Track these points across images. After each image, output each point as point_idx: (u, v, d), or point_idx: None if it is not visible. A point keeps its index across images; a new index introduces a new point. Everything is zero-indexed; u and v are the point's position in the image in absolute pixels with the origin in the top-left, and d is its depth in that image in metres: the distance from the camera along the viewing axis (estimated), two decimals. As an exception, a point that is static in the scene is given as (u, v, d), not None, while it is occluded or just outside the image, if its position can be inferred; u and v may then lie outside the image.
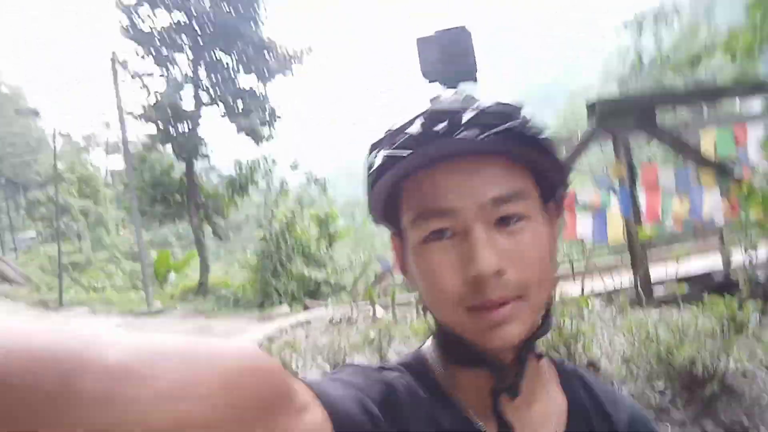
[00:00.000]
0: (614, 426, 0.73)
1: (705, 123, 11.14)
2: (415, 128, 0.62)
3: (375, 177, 0.65)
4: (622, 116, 8.62)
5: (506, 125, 0.61)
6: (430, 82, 0.71)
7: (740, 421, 3.01)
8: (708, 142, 9.48)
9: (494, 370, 0.64)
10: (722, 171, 8.55)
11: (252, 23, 18.37)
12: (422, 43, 0.71)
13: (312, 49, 19.41)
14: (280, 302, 15.08)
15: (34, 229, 31.88)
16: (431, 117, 0.62)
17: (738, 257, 5.53)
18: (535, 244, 0.63)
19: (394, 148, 0.63)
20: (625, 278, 8.98)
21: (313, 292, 15.84)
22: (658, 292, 7.81)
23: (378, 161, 0.65)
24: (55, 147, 21.92)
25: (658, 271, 8.89)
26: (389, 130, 0.66)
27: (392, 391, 0.63)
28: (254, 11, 18.40)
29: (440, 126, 0.61)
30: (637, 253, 8.26)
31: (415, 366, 0.70)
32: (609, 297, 6.34)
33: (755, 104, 10.17)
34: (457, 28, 0.70)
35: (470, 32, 0.71)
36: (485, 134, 0.60)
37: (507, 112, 0.63)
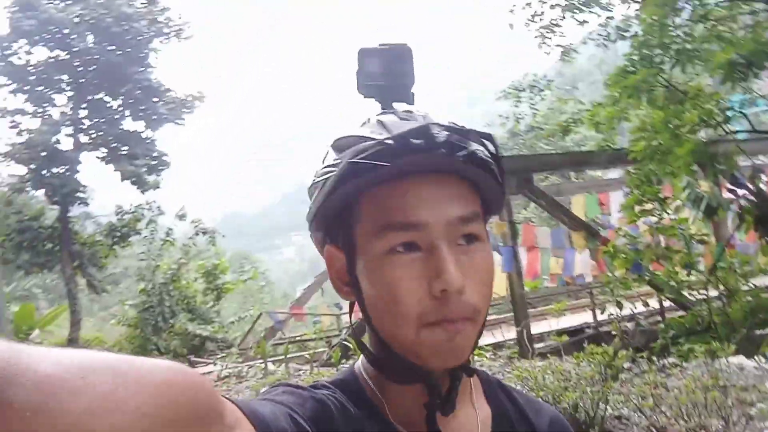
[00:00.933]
0: (536, 430, 0.76)
1: (573, 188, 12.29)
2: (390, 140, 0.62)
3: (334, 184, 0.64)
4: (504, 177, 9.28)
5: (476, 148, 0.63)
6: (365, 97, 0.69)
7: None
8: (578, 206, 10.50)
9: (429, 387, 0.65)
10: (591, 233, 9.43)
11: (141, 67, 17.78)
12: (365, 54, 0.68)
13: (203, 96, 19.10)
14: (161, 360, 14.10)
15: None
16: (407, 132, 0.62)
17: (609, 311, 6.07)
18: (487, 267, 0.66)
19: (363, 158, 0.62)
20: (507, 333, 9.47)
21: (197, 348, 15.01)
22: (540, 344, 8.31)
23: (341, 169, 0.64)
24: None
25: (538, 326, 9.50)
26: (348, 137, 0.67)
27: (323, 407, 0.63)
28: (144, 55, 17.87)
29: (417, 141, 0.61)
30: (520, 308, 8.74)
31: (347, 383, 0.71)
32: (494, 350, 6.65)
33: (615, 172, 11.47)
34: (400, 44, 0.68)
35: (411, 50, 0.69)
36: (460, 154, 0.62)
37: (473, 136, 0.65)
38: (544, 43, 10.76)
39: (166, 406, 0.41)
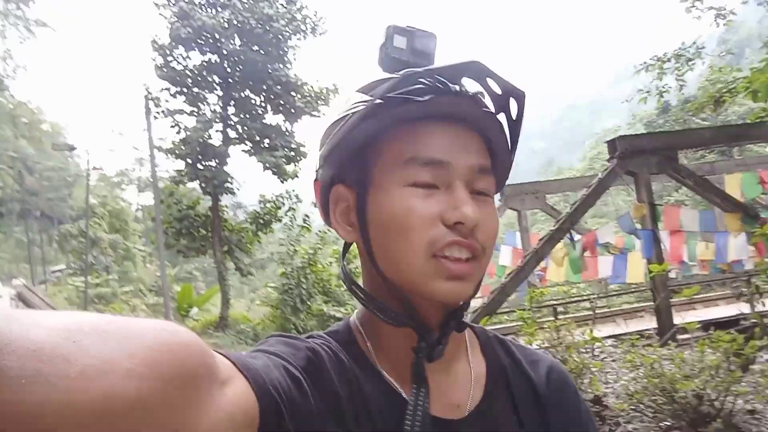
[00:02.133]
0: (533, 382, 0.76)
1: (731, 166, 10.96)
2: (429, 80, 0.65)
3: (364, 116, 0.66)
4: (643, 156, 8.54)
5: (502, 106, 0.68)
6: (385, 70, 0.70)
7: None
8: (733, 186, 9.33)
9: (420, 331, 0.66)
10: (748, 214, 8.36)
11: (280, 64, 18.92)
12: (394, 31, 0.70)
13: (338, 89, 19.85)
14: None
15: (64, 262, 32.61)
16: (449, 74, 0.66)
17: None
18: (495, 220, 0.68)
19: (401, 93, 0.64)
20: (650, 322, 8.75)
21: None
22: (685, 335, 7.58)
23: (371, 103, 0.65)
24: (88, 182, 22.62)
25: (685, 316, 8.63)
26: (369, 83, 0.69)
27: (316, 356, 0.65)
28: (283, 52, 18.98)
29: (454, 86, 0.66)
30: (659, 294, 8.04)
31: (342, 334, 0.72)
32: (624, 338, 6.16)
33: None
34: (429, 32, 0.71)
35: (437, 38, 0.71)
36: (495, 109, 0.68)
37: (503, 101, 0.69)
38: (694, 6, 9.70)
39: (159, 365, 0.41)
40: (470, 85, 0.68)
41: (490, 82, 0.68)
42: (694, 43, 9.89)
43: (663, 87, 10.35)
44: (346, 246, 0.76)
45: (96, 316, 0.42)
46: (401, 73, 0.66)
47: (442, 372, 0.70)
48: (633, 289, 12.16)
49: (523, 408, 0.73)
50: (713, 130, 10.31)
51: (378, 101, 0.64)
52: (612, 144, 8.93)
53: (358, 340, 0.72)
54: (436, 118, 0.66)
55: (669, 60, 9.78)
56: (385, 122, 0.66)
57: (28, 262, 35.50)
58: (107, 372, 0.38)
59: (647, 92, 10.26)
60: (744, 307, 9.13)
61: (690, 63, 9.86)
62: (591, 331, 4.10)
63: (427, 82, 0.65)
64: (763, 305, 6.74)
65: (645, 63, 10.11)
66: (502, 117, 0.69)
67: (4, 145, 35.51)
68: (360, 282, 0.73)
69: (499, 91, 0.68)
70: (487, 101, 0.69)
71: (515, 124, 0.70)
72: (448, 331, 0.68)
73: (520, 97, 0.69)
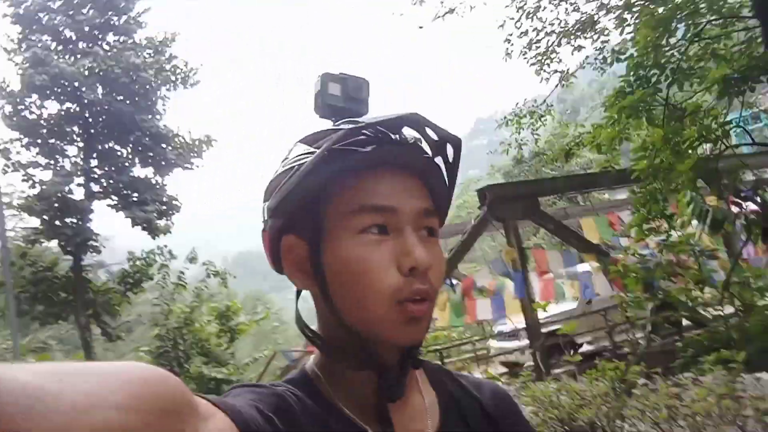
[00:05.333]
0: (482, 405, 0.81)
1: (580, 211, 12.29)
2: (370, 131, 0.69)
3: (311, 169, 0.68)
4: (510, 203, 9.33)
5: (437, 156, 0.73)
6: (321, 117, 0.73)
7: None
8: (589, 228, 10.47)
9: (380, 373, 0.70)
10: (601, 254, 9.39)
11: (149, 114, 18.13)
12: (327, 78, 0.72)
13: (211, 140, 19.31)
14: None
15: None
16: (389, 124, 0.70)
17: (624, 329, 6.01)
18: (442, 258, 0.73)
19: (345, 145, 0.68)
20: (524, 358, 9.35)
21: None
22: (557, 370, 8.20)
23: (318, 154, 0.67)
24: None
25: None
26: (311, 134, 0.72)
27: (284, 401, 0.67)
28: (152, 103, 18.25)
29: (395, 135, 0.70)
30: (534, 333, 8.68)
31: (300, 380, 0.75)
32: (512, 374, 6.58)
33: (622, 192, 11.47)
34: (360, 77, 0.73)
35: (369, 83, 0.75)
36: (425, 156, 0.72)
37: (440, 146, 0.74)
38: (543, 70, 10.90)
39: (144, 400, 0.44)
40: (409, 134, 0.72)
41: (428, 130, 0.72)
42: (545, 101, 11.03)
43: (521, 140, 11.38)
44: (298, 293, 0.78)
45: (79, 362, 0.45)
46: (345, 126, 0.69)
47: (401, 406, 0.73)
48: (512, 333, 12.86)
49: (475, 428, 0.78)
50: (567, 179, 11.54)
51: (324, 154, 0.67)
52: (482, 193, 9.64)
53: (318, 386, 0.73)
54: (380, 167, 0.70)
55: (525, 116, 10.80)
56: (333, 173, 0.68)
57: None
58: (95, 406, 0.40)
59: (509, 145, 11.24)
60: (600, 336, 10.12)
61: (542, 119, 10.96)
62: (487, 368, 4.35)
63: (369, 133, 0.69)
64: (634, 335, 7.57)
65: (505, 117, 11.07)
66: (439, 161, 0.74)
67: None
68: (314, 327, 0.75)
69: (436, 138, 0.73)
70: (426, 147, 0.73)
71: (452, 167, 0.75)
72: (407, 370, 0.71)
73: (456, 142, 0.74)
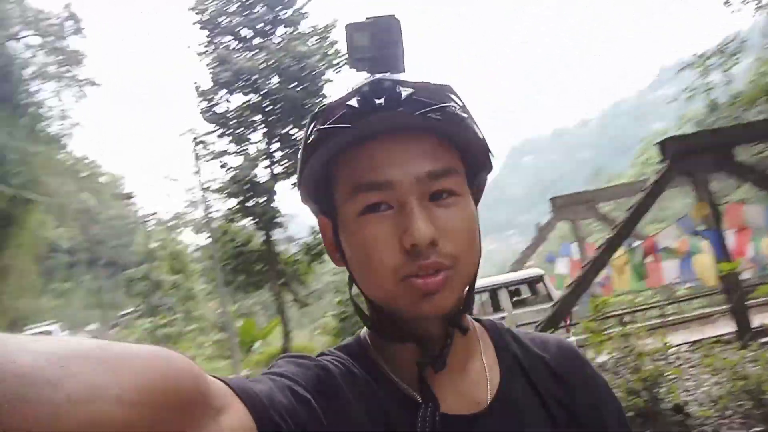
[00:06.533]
0: (546, 361, 0.77)
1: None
2: (352, 102, 0.64)
3: (309, 152, 0.66)
4: (696, 155, 8.32)
5: (441, 105, 0.64)
6: (357, 71, 0.68)
7: None
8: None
9: (421, 344, 0.67)
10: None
11: (317, 98, 19.39)
12: (352, 29, 0.67)
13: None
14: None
15: (131, 305, 33.80)
16: (369, 92, 0.63)
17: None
18: (465, 219, 0.66)
19: (330, 123, 0.64)
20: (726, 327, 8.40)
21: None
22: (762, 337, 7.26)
23: (313, 136, 0.66)
24: (146, 228, 23.54)
25: (764, 318, 8.26)
26: (324, 106, 0.67)
27: (327, 373, 0.66)
28: (318, 87, 19.47)
29: (378, 101, 0.63)
30: (734, 294, 7.75)
31: (353, 348, 0.74)
32: (702, 343, 5.96)
33: None
34: (387, 16, 0.67)
35: (400, 21, 0.67)
36: (422, 111, 0.63)
37: (441, 92, 0.66)
38: (728, 2, 9.50)
39: (149, 391, 0.41)
40: (403, 93, 0.64)
41: (419, 87, 0.65)
42: (736, 37, 9.65)
43: (709, 84, 10.12)
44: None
45: (88, 342, 0.42)
46: (329, 101, 0.66)
47: (458, 371, 0.71)
48: (704, 293, 11.70)
49: (543, 388, 0.74)
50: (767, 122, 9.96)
51: (316, 132, 0.65)
52: (662, 145, 8.73)
53: (368, 352, 0.73)
54: (371, 138, 0.65)
55: (711, 57, 9.57)
56: (330, 151, 0.66)
57: (98, 307, 37.07)
58: (95, 398, 0.38)
59: (693, 90, 10.04)
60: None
61: (734, 57, 9.62)
62: (663, 337, 4.01)
63: (354, 104, 0.63)
64: None
65: (687, 62, 9.92)
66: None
67: (69, 199, 37.41)
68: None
69: (431, 89, 0.66)
70: (424, 99, 0.64)
71: (466, 112, 0.67)
72: (452, 339, 0.68)
73: (451, 88, 0.67)
